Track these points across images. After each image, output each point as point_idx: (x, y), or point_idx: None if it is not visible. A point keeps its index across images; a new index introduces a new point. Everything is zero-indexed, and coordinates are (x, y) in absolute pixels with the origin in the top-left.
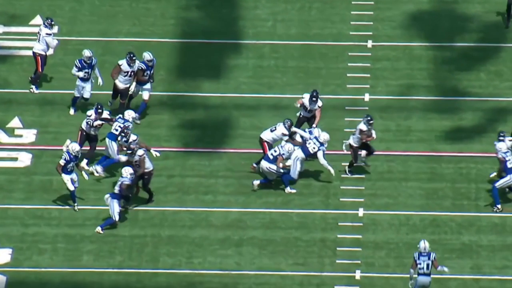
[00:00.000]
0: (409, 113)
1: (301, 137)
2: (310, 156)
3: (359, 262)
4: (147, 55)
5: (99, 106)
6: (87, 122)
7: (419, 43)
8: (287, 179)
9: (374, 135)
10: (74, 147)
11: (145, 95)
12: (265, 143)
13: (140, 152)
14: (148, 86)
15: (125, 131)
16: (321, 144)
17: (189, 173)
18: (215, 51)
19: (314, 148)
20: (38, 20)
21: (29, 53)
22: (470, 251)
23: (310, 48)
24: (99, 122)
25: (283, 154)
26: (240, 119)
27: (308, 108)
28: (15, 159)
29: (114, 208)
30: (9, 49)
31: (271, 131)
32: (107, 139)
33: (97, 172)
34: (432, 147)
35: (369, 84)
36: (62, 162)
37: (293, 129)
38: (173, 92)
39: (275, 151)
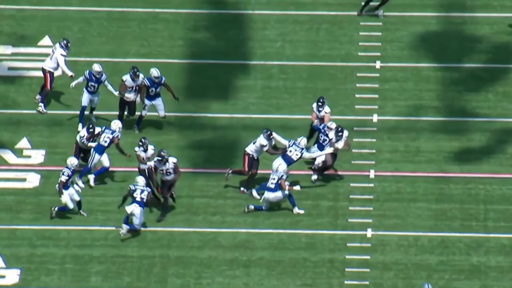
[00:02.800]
0: (417, 134)
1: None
2: (293, 163)
3: (368, 283)
4: (154, 71)
5: (90, 126)
6: (80, 139)
7: (428, 64)
8: (294, 201)
9: (339, 145)
10: (73, 161)
11: (160, 113)
12: (246, 156)
13: (174, 159)
14: (159, 102)
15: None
16: (302, 149)
17: (197, 194)
18: (223, 72)
19: (297, 155)
20: (47, 41)
21: (38, 74)
22: (479, 272)
23: (318, 69)
24: (92, 144)
25: (282, 176)
26: (249, 139)
27: (319, 116)
28: (24, 179)
29: (142, 218)
30: (18, 70)
31: (253, 143)
32: (92, 150)
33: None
34: (440, 168)
35: (378, 105)
36: (64, 178)
37: (274, 135)
38: (181, 113)
39: (273, 179)
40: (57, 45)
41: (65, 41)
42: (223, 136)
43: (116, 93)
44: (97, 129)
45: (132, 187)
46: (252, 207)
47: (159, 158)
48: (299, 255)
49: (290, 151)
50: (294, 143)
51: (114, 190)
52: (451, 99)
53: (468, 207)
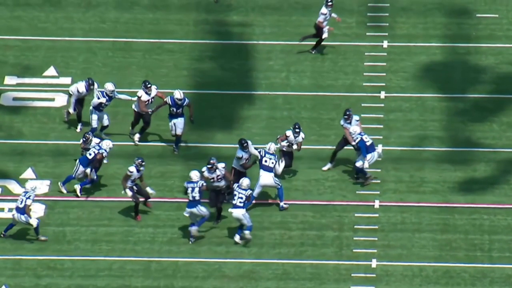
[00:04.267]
0: (422, 164)
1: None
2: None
3: None
4: (177, 94)
5: (87, 135)
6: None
7: (432, 94)
8: (251, 228)
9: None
10: (32, 184)
11: (178, 130)
12: (233, 170)
13: (222, 165)
14: (180, 121)
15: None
16: (274, 155)
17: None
18: (228, 102)
19: (272, 162)
20: (52, 71)
21: (43, 104)
22: None
23: (323, 99)
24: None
25: (251, 193)
26: (254, 170)
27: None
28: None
29: (201, 210)
30: (23, 100)
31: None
32: (77, 161)
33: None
34: (445, 198)
35: (382, 135)
36: (30, 202)
37: (249, 145)
38: (186, 143)
39: (240, 197)
40: (84, 83)
41: (90, 81)
42: (228, 166)
43: (134, 99)
44: (95, 140)
45: (186, 185)
46: (238, 237)
47: (209, 166)
48: (304, 286)
49: (266, 161)
50: (265, 152)
51: (118, 220)
52: (455, 129)
53: (473, 237)
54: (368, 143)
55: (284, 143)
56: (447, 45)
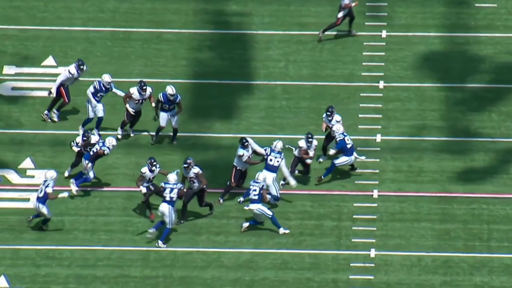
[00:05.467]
0: (421, 154)
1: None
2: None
3: None
4: (169, 89)
5: (86, 134)
6: (76, 144)
7: (431, 84)
8: (276, 221)
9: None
10: (51, 173)
11: (173, 124)
12: (234, 168)
13: (196, 169)
14: (174, 114)
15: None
16: (280, 153)
17: (200, 214)
18: (226, 92)
19: (278, 161)
20: (50, 61)
21: (42, 94)
22: None
23: (321, 88)
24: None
25: (263, 185)
26: (254, 170)
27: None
28: (27, 199)
29: (173, 216)
30: (21, 90)
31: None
32: (83, 159)
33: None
34: (444, 188)
35: (381, 125)
36: (50, 190)
37: (250, 143)
38: (184, 133)
39: (254, 190)
40: (74, 64)
41: (80, 62)
42: (226, 156)
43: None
44: (94, 138)
45: (163, 185)
46: (247, 224)
47: (185, 165)
48: (303, 275)
49: (271, 160)
50: (271, 150)
51: (117, 210)
52: (454, 119)
53: (472, 227)
54: (348, 146)
55: (306, 156)
56: (446, 35)
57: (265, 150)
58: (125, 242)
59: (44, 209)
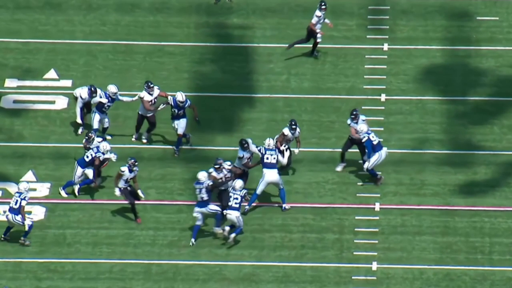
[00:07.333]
0: (422, 167)
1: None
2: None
3: None
4: (179, 96)
5: (90, 134)
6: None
7: (433, 97)
8: (240, 231)
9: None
10: (24, 185)
11: (179, 130)
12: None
13: (228, 163)
14: (182, 122)
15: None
16: (274, 150)
17: (202, 227)
18: (228, 105)
19: (274, 158)
20: (52, 74)
21: (43, 107)
22: None
23: (323, 101)
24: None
25: (246, 192)
26: (254, 172)
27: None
28: (29, 212)
29: (211, 209)
30: (23, 103)
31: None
32: (76, 163)
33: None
34: (445, 201)
35: (383, 137)
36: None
37: (250, 146)
38: (186, 146)
39: (235, 198)
40: (86, 89)
41: (93, 89)
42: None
43: (135, 98)
44: (97, 139)
45: (194, 186)
46: (227, 228)
47: (216, 166)
48: None
49: (267, 158)
50: (266, 149)
51: (119, 223)
52: (456, 132)
53: (474, 240)
54: (375, 142)
55: (283, 147)
56: (448, 48)
57: (259, 149)
58: (127, 255)
59: (19, 217)
